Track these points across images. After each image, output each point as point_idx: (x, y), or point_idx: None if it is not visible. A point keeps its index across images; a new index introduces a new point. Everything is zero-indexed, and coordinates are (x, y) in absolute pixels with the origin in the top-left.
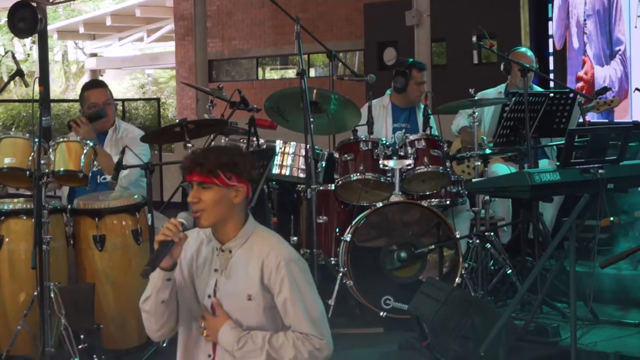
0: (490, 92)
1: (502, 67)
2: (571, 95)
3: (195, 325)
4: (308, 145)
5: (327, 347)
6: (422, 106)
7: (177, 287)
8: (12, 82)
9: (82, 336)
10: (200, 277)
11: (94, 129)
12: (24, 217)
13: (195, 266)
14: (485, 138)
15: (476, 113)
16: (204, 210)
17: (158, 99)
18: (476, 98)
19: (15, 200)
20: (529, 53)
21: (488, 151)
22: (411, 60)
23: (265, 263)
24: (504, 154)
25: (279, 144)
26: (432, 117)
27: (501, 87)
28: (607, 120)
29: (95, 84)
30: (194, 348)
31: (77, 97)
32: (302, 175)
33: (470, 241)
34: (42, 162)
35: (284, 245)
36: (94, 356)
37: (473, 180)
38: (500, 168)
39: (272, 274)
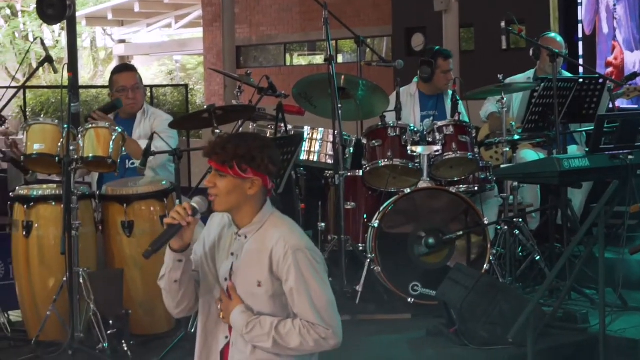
0: (519, 78)
1: (531, 52)
2: (601, 80)
3: (215, 307)
4: (336, 131)
5: (333, 336)
6: (450, 92)
7: (200, 267)
8: (41, 69)
9: (111, 321)
10: (220, 259)
11: (123, 113)
12: (53, 203)
13: (217, 248)
14: (513, 124)
15: (505, 99)
16: (218, 196)
17: (186, 85)
18: (505, 84)
19: (45, 186)
20: (558, 38)
21: (517, 137)
22: (437, 48)
23: (274, 251)
24: (532, 140)
25: (306, 130)
26: (460, 103)
27: (530, 73)
28: (637, 107)
29: (124, 68)
30: (214, 329)
31: (106, 84)
32: (330, 161)
33: (499, 227)
34: (71, 148)
35: (295, 233)
36: (123, 341)
37: (501, 166)
38: (529, 154)
39: (280, 262)
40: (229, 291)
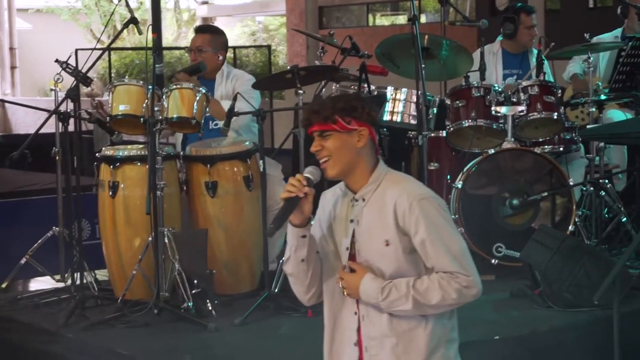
0: (606, 37)
1: (618, 10)
2: None
3: (339, 286)
4: (419, 92)
5: (474, 284)
6: (535, 51)
7: (319, 246)
8: (125, 30)
9: (195, 281)
10: (339, 232)
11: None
12: (139, 164)
13: (334, 222)
14: (600, 84)
15: (591, 58)
16: (330, 157)
17: (269, 46)
18: (591, 43)
19: (130, 146)
20: None
21: (603, 97)
22: (519, 4)
23: (397, 205)
24: (619, 100)
25: (390, 90)
26: (546, 62)
27: (617, 32)
28: None
29: (197, 29)
30: (340, 307)
31: (189, 45)
32: (413, 121)
33: (584, 188)
34: (156, 109)
35: (416, 185)
36: (207, 301)
37: (587, 126)
38: (616, 114)
39: (405, 215)
40: (350, 266)
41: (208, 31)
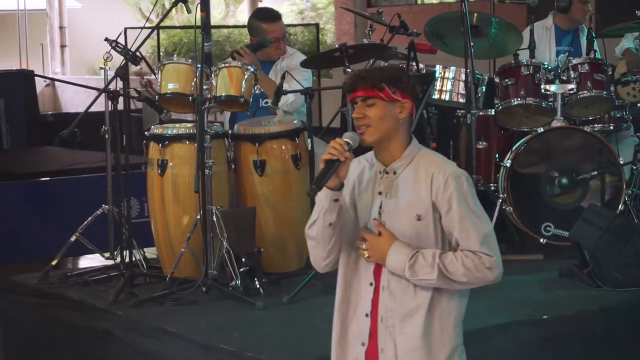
0: None
1: None
2: None
3: (354, 255)
4: (468, 70)
5: (497, 265)
6: (586, 29)
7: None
8: (174, 9)
9: (243, 259)
10: (362, 202)
11: (264, 57)
12: (187, 142)
13: (357, 192)
14: None
15: None
16: (369, 125)
17: (317, 25)
18: None
19: (179, 125)
20: None
21: None
22: None
23: (433, 180)
24: None
25: (438, 68)
26: (595, 40)
27: None
28: None
29: (275, 16)
30: (354, 277)
31: (238, 23)
32: (461, 100)
33: (635, 167)
34: (205, 87)
35: (450, 162)
36: (255, 279)
37: (639, 104)
38: None
39: (439, 190)
40: (378, 229)
41: (280, 18)
